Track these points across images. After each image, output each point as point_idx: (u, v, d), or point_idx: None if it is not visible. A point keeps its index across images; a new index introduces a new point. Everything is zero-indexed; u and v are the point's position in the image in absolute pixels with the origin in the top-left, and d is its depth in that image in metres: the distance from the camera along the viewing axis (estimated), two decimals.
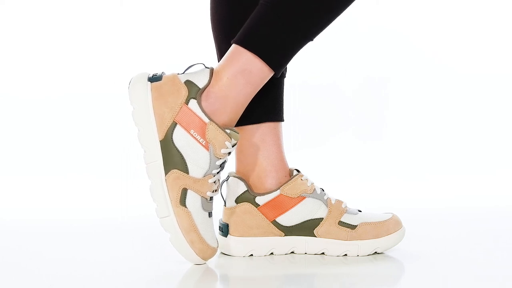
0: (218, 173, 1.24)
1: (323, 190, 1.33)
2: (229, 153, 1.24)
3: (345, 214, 1.31)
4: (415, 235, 1.44)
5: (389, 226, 1.31)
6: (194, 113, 1.22)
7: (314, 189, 1.31)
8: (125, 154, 2.10)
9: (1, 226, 1.60)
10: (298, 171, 1.33)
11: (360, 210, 1.34)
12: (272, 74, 1.25)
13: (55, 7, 2.25)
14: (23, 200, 1.84)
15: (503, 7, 2.30)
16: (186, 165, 1.22)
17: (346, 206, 1.32)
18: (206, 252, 1.23)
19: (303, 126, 2.15)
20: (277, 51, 1.23)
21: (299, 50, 1.25)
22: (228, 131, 1.22)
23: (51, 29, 2.25)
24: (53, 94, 2.20)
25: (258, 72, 1.23)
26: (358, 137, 2.18)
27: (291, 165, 1.36)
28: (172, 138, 1.22)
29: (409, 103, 2.23)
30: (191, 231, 1.21)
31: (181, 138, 1.22)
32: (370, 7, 2.26)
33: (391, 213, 1.34)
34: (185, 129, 1.22)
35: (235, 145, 1.24)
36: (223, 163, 1.24)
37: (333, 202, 1.32)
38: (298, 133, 2.09)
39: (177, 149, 1.22)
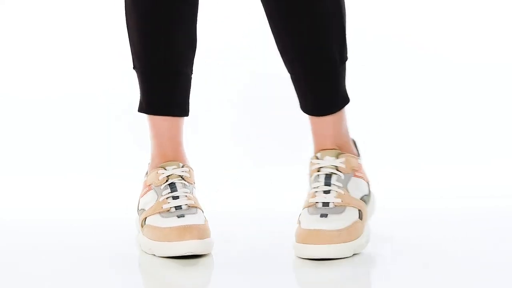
0: None
1: None
2: None
3: None
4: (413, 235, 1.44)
5: None
6: None
7: None
8: (125, 154, 2.10)
9: (1, 226, 1.60)
10: None
11: None
12: None
13: (54, 7, 2.25)
14: (23, 200, 1.84)
15: (502, 8, 2.30)
16: None
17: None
18: None
19: (303, 125, 2.14)
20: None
21: None
22: None
23: (50, 29, 2.24)
24: (52, 94, 2.20)
25: None
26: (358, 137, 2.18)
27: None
28: None
29: (409, 103, 2.23)
30: None
31: None
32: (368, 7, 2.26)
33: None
34: None
35: None
36: None
37: None
38: (297, 130, 2.09)
39: None
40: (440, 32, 2.30)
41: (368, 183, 1.40)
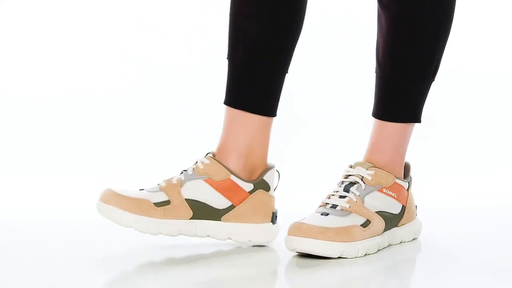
0: None
1: None
2: None
3: None
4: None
5: None
6: None
7: None
8: (125, 154, 2.10)
9: (1, 226, 1.60)
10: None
11: None
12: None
13: (54, 6, 2.25)
14: (23, 200, 1.84)
15: (501, 8, 2.30)
16: None
17: None
18: None
19: (302, 124, 2.15)
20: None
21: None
22: None
23: (50, 28, 2.25)
24: (52, 94, 2.20)
25: None
26: (358, 136, 2.18)
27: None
28: None
29: None
30: None
31: None
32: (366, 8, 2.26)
33: None
34: None
35: None
36: None
37: None
38: (296, 131, 2.09)
39: None
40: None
41: (403, 205, 1.39)
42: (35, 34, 2.24)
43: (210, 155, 1.36)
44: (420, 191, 1.91)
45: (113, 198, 1.31)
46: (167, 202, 1.31)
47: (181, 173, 1.35)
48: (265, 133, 1.37)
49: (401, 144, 1.41)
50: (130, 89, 2.23)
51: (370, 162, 1.38)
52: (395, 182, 1.37)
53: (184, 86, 2.22)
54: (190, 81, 2.22)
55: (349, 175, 1.36)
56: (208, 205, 1.33)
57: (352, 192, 1.33)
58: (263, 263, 1.30)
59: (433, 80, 1.42)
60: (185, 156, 1.68)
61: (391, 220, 1.36)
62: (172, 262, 1.29)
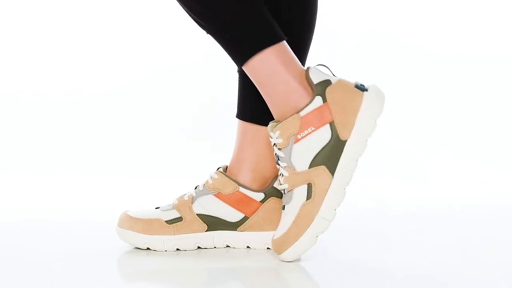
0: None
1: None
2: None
3: None
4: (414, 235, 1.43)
5: None
6: None
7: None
8: (124, 154, 2.10)
9: (1, 226, 1.60)
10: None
11: None
12: None
13: (53, 6, 2.25)
14: (23, 200, 1.84)
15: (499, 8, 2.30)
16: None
17: None
18: None
19: None
20: None
21: None
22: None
23: (49, 28, 2.25)
24: (51, 94, 2.20)
25: None
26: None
27: None
28: None
29: (408, 102, 2.23)
30: None
31: None
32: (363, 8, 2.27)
33: None
34: None
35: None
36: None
37: None
38: None
39: None
40: (443, 41, 2.30)
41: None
42: (35, 34, 2.24)
43: (221, 169, 1.38)
44: (417, 190, 1.93)
45: (127, 222, 1.35)
46: (179, 219, 1.34)
47: (195, 189, 1.38)
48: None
49: (268, 71, 1.28)
50: (130, 89, 2.23)
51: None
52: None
53: (201, 100, 2.22)
54: (206, 96, 2.21)
55: (273, 144, 1.32)
56: (221, 219, 1.34)
57: (280, 166, 1.29)
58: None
59: None
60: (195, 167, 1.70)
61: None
62: (173, 260, 1.29)
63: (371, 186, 1.94)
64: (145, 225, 1.34)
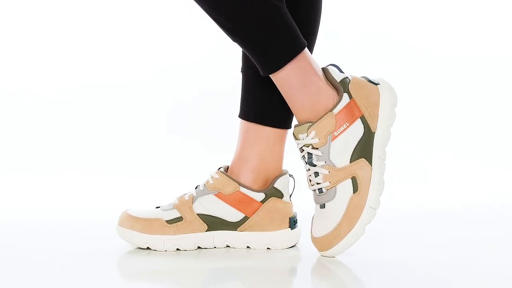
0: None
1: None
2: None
3: None
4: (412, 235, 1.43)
5: None
6: None
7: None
8: (125, 154, 2.10)
9: (1, 226, 1.60)
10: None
11: None
12: None
13: (53, 5, 2.25)
14: (23, 200, 1.84)
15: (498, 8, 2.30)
16: None
17: None
18: None
19: None
20: None
21: None
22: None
23: (49, 28, 2.25)
24: (52, 94, 2.20)
25: None
26: None
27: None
28: None
29: (408, 102, 2.23)
30: None
31: None
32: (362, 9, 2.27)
33: None
34: None
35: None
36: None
37: None
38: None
39: None
40: (443, 41, 2.30)
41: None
42: (35, 34, 2.24)
43: (222, 169, 1.38)
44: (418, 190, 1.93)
45: (128, 221, 1.36)
46: (179, 219, 1.35)
47: (195, 188, 1.38)
48: (279, 145, 1.38)
49: (299, 77, 1.30)
50: (129, 88, 2.23)
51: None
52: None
53: (205, 100, 2.22)
54: (209, 96, 2.21)
55: (301, 147, 1.32)
56: (221, 219, 1.35)
57: (317, 166, 1.29)
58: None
59: None
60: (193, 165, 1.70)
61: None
62: (173, 260, 1.29)
63: None
64: (145, 224, 1.34)
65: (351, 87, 1.30)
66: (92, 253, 1.34)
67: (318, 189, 1.29)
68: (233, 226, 1.35)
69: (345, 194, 1.27)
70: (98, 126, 2.16)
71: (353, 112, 1.28)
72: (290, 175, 1.39)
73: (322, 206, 1.29)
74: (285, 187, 1.37)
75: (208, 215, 1.35)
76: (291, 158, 1.43)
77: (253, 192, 1.35)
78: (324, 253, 1.28)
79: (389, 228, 1.57)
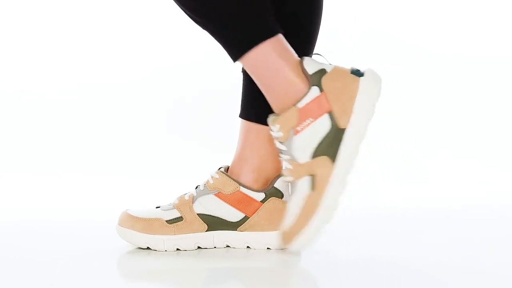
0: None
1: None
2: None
3: None
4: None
5: None
6: None
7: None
8: (124, 154, 2.10)
9: (1, 226, 1.60)
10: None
11: None
12: None
13: (52, 5, 2.25)
14: (23, 200, 1.84)
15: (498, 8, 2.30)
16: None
17: None
18: None
19: None
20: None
21: None
22: None
23: (48, 27, 2.24)
24: (52, 94, 2.20)
25: None
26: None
27: None
28: None
29: (408, 102, 2.23)
30: None
31: None
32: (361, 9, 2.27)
33: None
34: None
35: None
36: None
37: None
38: None
39: None
40: (442, 40, 2.30)
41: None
42: (35, 34, 2.24)
43: (222, 169, 1.38)
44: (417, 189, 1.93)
45: (128, 221, 1.36)
46: (179, 219, 1.34)
47: (195, 188, 1.38)
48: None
49: (266, 61, 1.26)
50: (128, 88, 2.23)
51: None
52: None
53: (206, 100, 2.22)
54: (210, 96, 2.21)
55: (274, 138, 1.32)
56: (221, 219, 1.35)
57: (283, 159, 1.28)
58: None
59: None
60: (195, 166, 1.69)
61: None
62: (173, 260, 1.29)
63: (371, 186, 1.94)
64: (145, 224, 1.34)
65: (324, 80, 1.24)
66: (92, 253, 1.34)
67: (288, 183, 1.30)
68: (233, 226, 1.35)
69: (303, 190, 1.24)
70: (98, 126, 2.16)
71: (320, 106, 1.23)
72: None
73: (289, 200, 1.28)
74: (286, 187, 1.37)
75: (208, 215, 1.34)
76: None
77: (253, 192, 1.35)
78: (286, 247, 1.29)
79: (389, 228, 1.57)
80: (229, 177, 1.35)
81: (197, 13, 1.25)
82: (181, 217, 1.34)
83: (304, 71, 1.25)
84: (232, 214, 1.34)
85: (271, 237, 1.34)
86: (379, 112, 2.20)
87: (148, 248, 1.34)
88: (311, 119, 1.23)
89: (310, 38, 1.39)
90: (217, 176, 1.36)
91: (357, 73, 1.25)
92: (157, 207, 1.38)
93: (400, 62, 2.25)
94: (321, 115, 1.23)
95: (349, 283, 1.19)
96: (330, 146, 1.23)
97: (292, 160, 1.25)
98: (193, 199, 1.35)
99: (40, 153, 2.09)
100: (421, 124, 2.20)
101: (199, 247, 1.35)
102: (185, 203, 1.35)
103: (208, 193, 1.35)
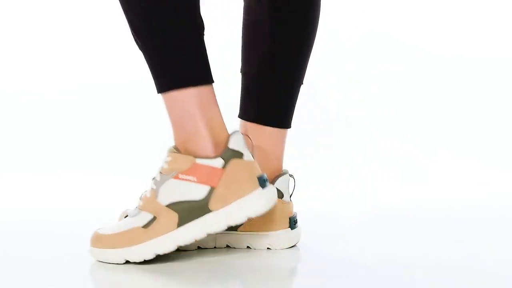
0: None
1: None
2: None
3: None
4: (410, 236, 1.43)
5: None
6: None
7: None
8: (124, 154, 2.10)
9: (1, 226, 1.60)
10: None
11: None
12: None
13: (52, 5, 2.25)
14: (23, 200, 1.84)
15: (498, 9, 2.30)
16: None
17: None
18: None
19: (300, 125, 2.15)
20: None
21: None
22: None
23: (48, 27, 2.25)
24: (52, 94, 2.20)
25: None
26: (356, 135, 2.18)
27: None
28: None
29: (408, 103, 2.23)
30: None
31: None
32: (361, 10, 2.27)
33: None
34: None
35: None
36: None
37: None
38: (295, 133, 2.09)
39: None
40: (442, 41, 2.30)
41: (211, 187, 1.23)
42: (35, 34, 2.24)
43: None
44: (417, 190, 1.93)
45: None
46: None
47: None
48: (279, 145, 1.38)
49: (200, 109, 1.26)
50: (128, 87, 2.23)
51: (175, 142, 1.28)
52: (194, 163, 1.23)
53: None
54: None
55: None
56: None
57: (150, 186, 1.26)
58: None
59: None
60: None
61: (194, 209, 1.23)
62: (174, 259, 1.29)
63: (371, 186, 1.94)
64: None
65: (234, 162, 1.23)
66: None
67: (137, 204, 1.28)
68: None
69: (137, 221, 1.24)
70: (98, 126, 2.16)
71: (210, 177, 1.22)
72: (291, 175, 1.39)
73: (128, 215, 1.28)
74: (285, 187, 1.36)
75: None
76: (291, 158, 1.43)
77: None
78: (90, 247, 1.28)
79: (389, 228, 1.57)
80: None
81: (137, 33, 1.25)
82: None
83: (227, 139, 1.24)
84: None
85: (271, 237, 1.34)
86: (379, 112, 2.21)
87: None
88: (194, 179, 1.22)
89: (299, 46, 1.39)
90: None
91: (262, 182, 1.23)
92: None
93: (400, 62, 2.25)
94: (204, 183, 1.22)
95: (349, 283, 1.19)
96: (187, 211, 1.22)
97: (154, 192, 1.25)
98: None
99: (40, 153, 2.09)
100: (421, 124, 2.20)
101: (199, 247, 1.34)
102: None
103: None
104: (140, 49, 1.27)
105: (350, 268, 1.25)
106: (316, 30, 1.41)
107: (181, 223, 1.23)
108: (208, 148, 1.24)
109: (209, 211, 1.22)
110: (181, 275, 1.23)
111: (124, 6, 1.26)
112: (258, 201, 1.23)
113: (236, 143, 1.24)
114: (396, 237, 1.49)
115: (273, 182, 1.36)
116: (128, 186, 1.91)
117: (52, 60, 2.23)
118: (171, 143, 1.29)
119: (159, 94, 1.27)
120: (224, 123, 1.27)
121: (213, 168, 1.23)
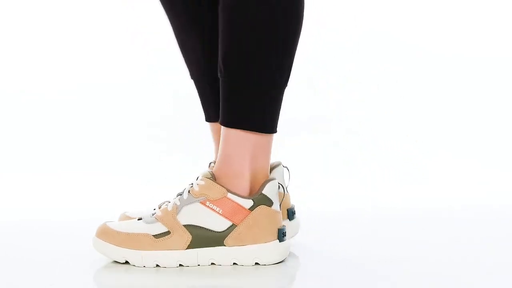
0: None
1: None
2: None
3: None
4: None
5: None
6: None
7: None
8: (124, 154, 2.10)
9: (1, 226, 1.60)
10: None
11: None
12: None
13: (52, 5, 2.25)
14: (23, 200, 1.84)
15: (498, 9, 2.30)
16: None
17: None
18: None
19: (299, 126, 2.15)
20: (265, 117, 1.30)
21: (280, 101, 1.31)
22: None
23: (48, 27, 2.25)
24: (52, 94, 2.20)
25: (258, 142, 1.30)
26: (356, 135, 2.18)
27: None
28: None
29: (408, 102, 2.23)
30: None
31: None
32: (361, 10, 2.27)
33: None
34: None
35: None
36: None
37: None
38: (293, 133, 2.09)
39: None
40: (442, 40, 2.30)
41: (228, 220, 1.26)
42: (35, 34, 2.24)
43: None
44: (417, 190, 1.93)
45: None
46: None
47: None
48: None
49: (253, 154, 1.29)
50: (128, 86, 2.23)
51: (215, 172, 1.30)
52: (225, 196, 1.27)
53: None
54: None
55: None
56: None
57: (174, 202, 1.28)
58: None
59: (285, 87, 1.32)
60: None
61: (209, 239, 1.26)
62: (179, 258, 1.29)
63: (371, 186, 1.94)
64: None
65: (261, 208, 1.27)
66: (92, 253, 1.34)
67: (153, 211, 1.30)
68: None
69: (150, 230, 1.27)
70: (98, 126, 2.16)
71: (235, 214, 1.26)
72: (284, 166, 1.36)
73: (141, 218, 1.30)
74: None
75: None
76: (291, 158, 1.42)
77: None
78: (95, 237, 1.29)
79: (389, 228, 1.57)
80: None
81: (229, 67, 1.27)
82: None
83: (263, 183, 1.28)
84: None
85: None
86: (379, 112, 2.21)
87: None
88: (220, 211, 1.26)
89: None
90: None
91: (281, 235, 1.27)
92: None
93: (400, 62, 2.25)
94: (228, 218, 1.26)
95: (349, 283, 1.19)
96: (202, 238, 1.26)
97: (176, 207, 1.27)
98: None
99: (40, 153, 2.08)
100: (421, 124, 2.20)
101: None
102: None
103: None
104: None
105: (350, 268, 1.25)
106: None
107: (192, 246, 1.26)
108: (245, 189, 1.29)
109: (223, 245, 1.27)
110: (181, 275, 1.23)
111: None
112: (271, 252, 1.27)
113: (269, 191, 1.28)
114: (396, 237, 1.49)
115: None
116: (128, 186, 1.91)
117: (52, 60, 2.23)
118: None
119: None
120: (268, 173, 1.31)
121: (241, 207, 1.27)
